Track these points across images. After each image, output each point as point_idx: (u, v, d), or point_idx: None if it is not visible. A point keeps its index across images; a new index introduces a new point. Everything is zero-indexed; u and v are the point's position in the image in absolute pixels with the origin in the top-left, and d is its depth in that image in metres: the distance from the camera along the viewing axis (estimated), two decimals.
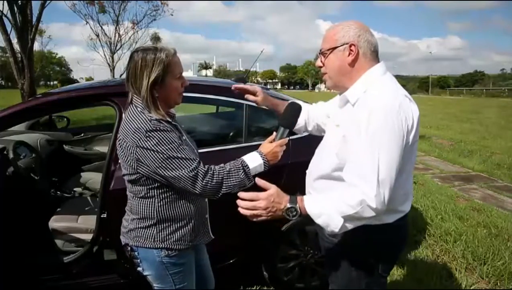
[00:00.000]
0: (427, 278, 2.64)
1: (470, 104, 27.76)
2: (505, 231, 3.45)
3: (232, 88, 1.68)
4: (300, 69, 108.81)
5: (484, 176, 5.78)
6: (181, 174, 1.25)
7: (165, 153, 1.24)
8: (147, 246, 1.38)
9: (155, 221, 1.36)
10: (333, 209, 1.12)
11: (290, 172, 2.15)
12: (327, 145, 1.38)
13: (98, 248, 2.07)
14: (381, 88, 1.20)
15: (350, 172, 1.17)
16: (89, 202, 2.77)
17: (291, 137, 1.58)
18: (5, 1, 9.22)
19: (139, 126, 1.26)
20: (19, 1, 9.50)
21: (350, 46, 1.23)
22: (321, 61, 1.31)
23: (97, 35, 19.57)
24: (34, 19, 10.12)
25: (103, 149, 3.33)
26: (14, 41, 10.11)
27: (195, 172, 1.26)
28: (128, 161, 1.30)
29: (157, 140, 1.24)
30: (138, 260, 1.42)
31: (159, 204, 1.36)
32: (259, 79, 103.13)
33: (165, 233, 1.38)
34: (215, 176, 1.29)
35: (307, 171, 1.47)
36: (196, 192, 1.27)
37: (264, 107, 1.68)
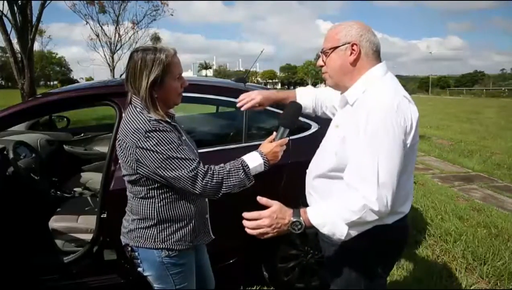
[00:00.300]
0: (427, 278, 2.64)
1: (470, 105, 27.75)
2: (505, 231, 3.45)
3: (237, 106, 1.64)
4: (300, 69, 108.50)
5: (484, 176, 5.78)
6: (180, 174, 1.25)
7: (164, 153, 1.24)
8: (148, 246, 1.38)
9: (155, 221, 1.36)
10: (336, 216, 1.12)
11: (290, 172, 2.16)
12: (328, 145, 1.38)
13: (98, 248, 2.07)
14: (380, 89, 1.20)
15: (350, 173, 1.16)
16: (89, 202, 2.77)
17: (291, 137, 1.58)
18: (5, 1, 9.23)
19: (139, 126, 1.26)
20: (19, 1, 9.52)
21: (352, 45, 1.23)
22: (323, 60, 1.30)
23: (97, 35, 19.68)
24: (34, 19, 10.15)
25: (103, 149, 3.33)
26: (14, 41, 10.16)
27: (195, 172, 1.26)
28: (128, 161, 1.30)
29: (156, 141, 1.24)
30: (139, 261, 1.42)
31: (159, 204, 1.36)
32: (259, 79, 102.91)
33: (165, 233, 1.38)
34: (215, 176, 1.29)
35: (307, 171, 1.47)
36: (196, 192, 1.27)
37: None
